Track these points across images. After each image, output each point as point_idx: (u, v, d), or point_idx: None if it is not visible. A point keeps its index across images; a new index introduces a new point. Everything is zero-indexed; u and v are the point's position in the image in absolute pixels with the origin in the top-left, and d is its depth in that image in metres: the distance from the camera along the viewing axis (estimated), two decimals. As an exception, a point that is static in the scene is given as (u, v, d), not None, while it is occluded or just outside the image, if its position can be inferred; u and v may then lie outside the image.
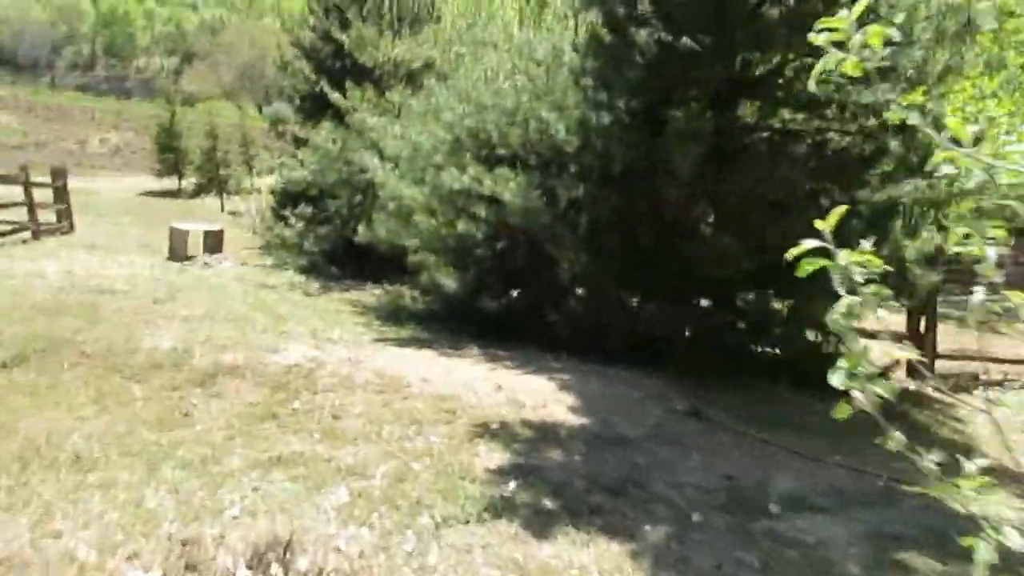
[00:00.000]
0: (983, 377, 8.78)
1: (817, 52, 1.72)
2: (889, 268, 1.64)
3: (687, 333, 6.86)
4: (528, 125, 8.21)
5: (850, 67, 1.69)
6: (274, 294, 10.40)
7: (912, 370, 8.47)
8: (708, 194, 6.77)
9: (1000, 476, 5.10)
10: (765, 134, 7.21)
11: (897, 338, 8.76)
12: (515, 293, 8.37)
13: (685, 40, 6.96)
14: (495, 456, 5.02)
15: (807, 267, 1.73)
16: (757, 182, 6.41)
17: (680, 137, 6.30)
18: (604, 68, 6.89)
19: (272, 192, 15.43)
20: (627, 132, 6.64)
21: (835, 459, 5.93)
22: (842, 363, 1.70)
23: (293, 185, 13.78)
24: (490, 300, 8.06)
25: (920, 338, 8.57)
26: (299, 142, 14.44)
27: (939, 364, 8.73)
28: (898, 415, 6.93)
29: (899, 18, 6.69)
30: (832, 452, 6.11)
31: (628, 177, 6.70)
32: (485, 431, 5.44)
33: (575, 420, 5.99)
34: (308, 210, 13.09)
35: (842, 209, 1.69)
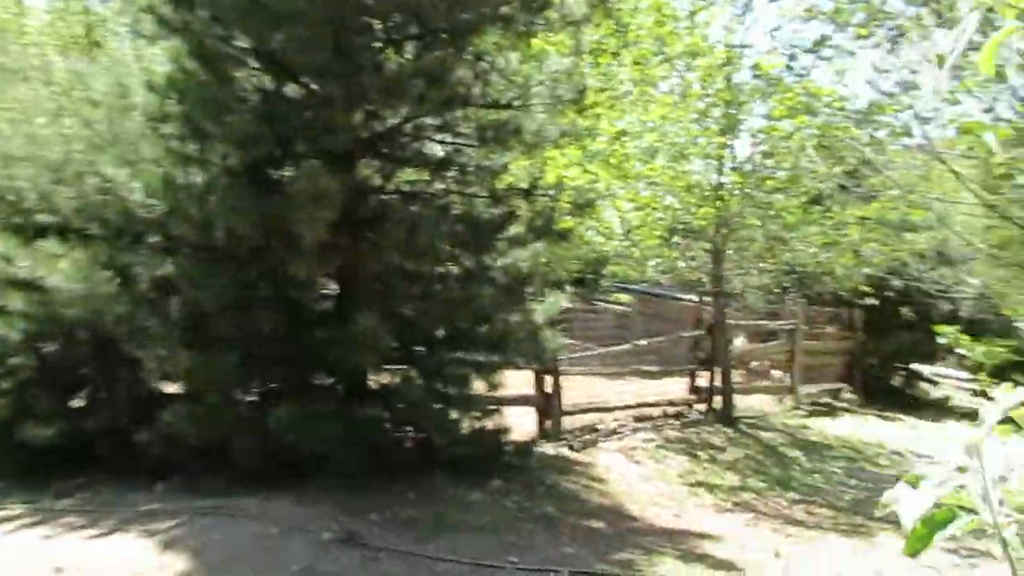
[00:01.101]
0: (600, 428, 9.17)
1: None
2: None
3: (330, 435, 5.57)
4: (84, 183, 6.13)
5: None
6: None
7: (545, 433, 8.42)
8: (343, 267, 5.67)
9: (657, 535, 4.70)
10: (394, 197, 6.41)
11: (525, 400, 8.63)
12: (79, 411, 6.08)
13: (296, 86, 5.84)
14: None
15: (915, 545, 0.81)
16: (397, 251, 5.52)
17: (303, 200, 5.09)
18: (196, 113, 5.34)
19: None
20: (232, 193, 5.20)
21: (512, 561, 5.22)
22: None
23: None
24: (38, 427, 5.67)
25: (548, 398, 8.58)
26: None
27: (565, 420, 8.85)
28: (550, 488, 6.45)
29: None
30: (504, 552, 5.42)
31: (239, 249, 5.24)
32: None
33: (190, 596, 4.25)
34: None
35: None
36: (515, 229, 7.10)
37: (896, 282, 9.91)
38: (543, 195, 6.85)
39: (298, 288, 5.68)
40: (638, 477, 7.34)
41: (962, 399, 12.36)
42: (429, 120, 6.68)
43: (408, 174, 7.03)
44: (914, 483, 0.77)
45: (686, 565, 5.25)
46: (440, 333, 6.86)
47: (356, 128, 5.88)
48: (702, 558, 5.42)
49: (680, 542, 5.72)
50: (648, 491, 7.02)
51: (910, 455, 8.89)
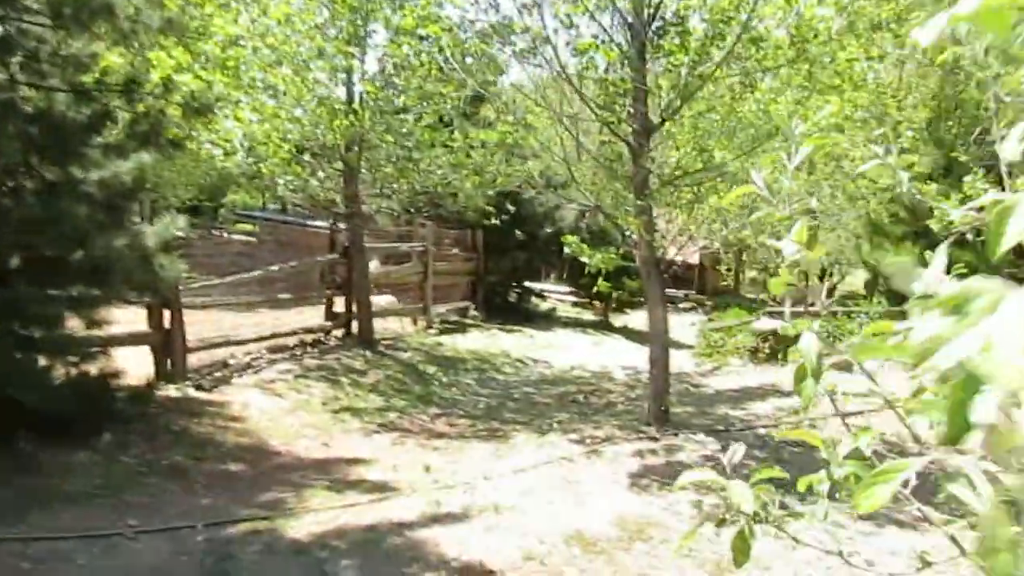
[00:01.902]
0: (232, 362, 8.39)
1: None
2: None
3: None
4: None
5: None
6: None
7: (166, 374, 7.38)
8: None
9: (306, 468, 4.45)
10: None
11: (140, 339, 7.49)
12: None
13: None
14: None
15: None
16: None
17: None
18: None
19: None
20: None
21: (131, 525, 4.42)
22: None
23: None
24: None
25: (168, 335, 7.50)
26: None
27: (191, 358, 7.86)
28: (177, 434, 5.69)
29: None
30: (123, 515, 4.59)
31: None
32: None
33: None
34: None
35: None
36: (114, 135, 5.88)
37: (510, 205, 10.71)
38: (147, 95, 5.72)
39: None
40: (279, 410, 6.85)
41: (563, 310, 14.18)
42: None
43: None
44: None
45: (339, 494, 5.01)
46: (15, 263, 5.43)
47: None
48: (355, 484, 5.24)
49: (331, 472, 5.47)
50: (292, 423, 6.60)
51: (530, 361, 9.88)
